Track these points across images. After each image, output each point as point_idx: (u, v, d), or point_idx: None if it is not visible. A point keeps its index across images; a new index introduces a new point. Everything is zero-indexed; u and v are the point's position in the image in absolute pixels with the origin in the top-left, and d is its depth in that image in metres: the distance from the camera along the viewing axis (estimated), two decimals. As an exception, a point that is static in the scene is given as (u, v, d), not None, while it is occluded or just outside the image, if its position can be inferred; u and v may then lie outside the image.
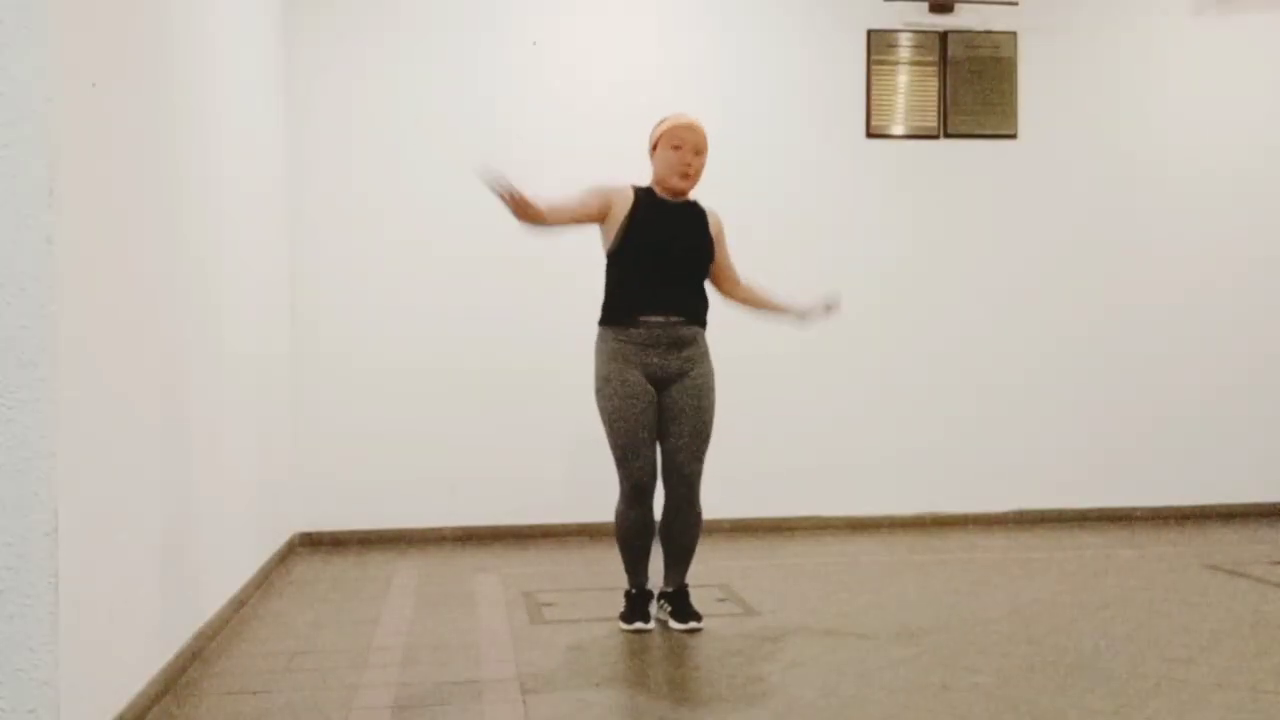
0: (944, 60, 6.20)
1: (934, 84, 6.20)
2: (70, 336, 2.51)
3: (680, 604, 4.07)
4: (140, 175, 3.22)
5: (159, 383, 3.37)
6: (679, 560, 4.09)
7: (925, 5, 6.17)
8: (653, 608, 4.13)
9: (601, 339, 4.01)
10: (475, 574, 5.05)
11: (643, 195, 4.00)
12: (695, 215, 4.06)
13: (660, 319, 3.94)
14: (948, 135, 6.22)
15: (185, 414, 3.65)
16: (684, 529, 4.04)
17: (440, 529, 5.82)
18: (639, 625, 4.02)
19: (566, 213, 3.91)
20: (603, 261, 4.04)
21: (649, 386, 3.95)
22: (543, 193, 3.82)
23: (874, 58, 6.15)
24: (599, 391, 3.99)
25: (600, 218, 3.98)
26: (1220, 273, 6.45)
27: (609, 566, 4.50)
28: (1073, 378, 6.35)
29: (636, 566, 4.09)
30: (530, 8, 5.93)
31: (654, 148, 4.04)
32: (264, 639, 3.97)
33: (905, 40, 6.17)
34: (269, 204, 5.25)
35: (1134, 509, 6.36)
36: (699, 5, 6.10)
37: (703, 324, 4.05)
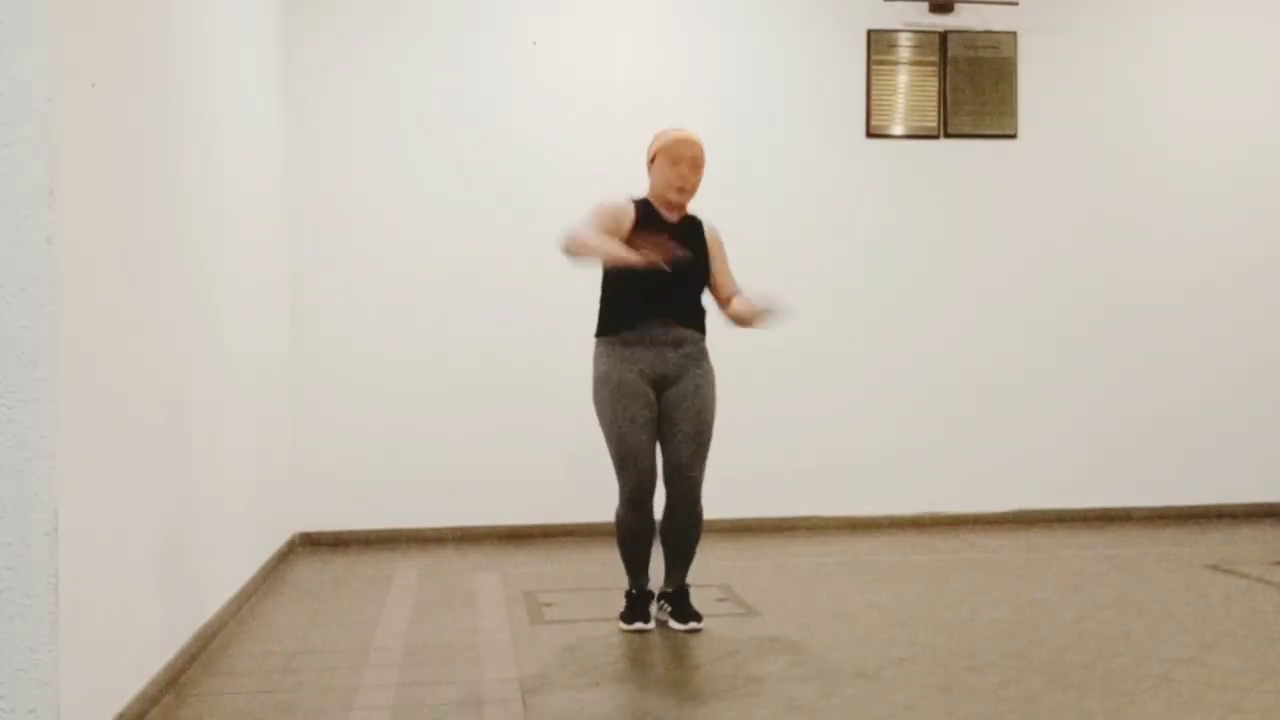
0: (944, 60, 6.20)
1: (934, 84, 6.20)
2: (70, 336, 2.51)
3: (680, 604, 4.07)
4: (140, 175, 3.22)
5: (159, 383, 3.37)
6: (679, 561, 4.09)
7: (925, 5, 6.17)
8: (653, 608, 4.12)
9: (600, 348, 4.01)
10: (475, 574, 5.05)
11: (641, 210, 4.00)
12: (692, 227, 4.06)
13: (658, 327, 3.93)
14: (948, 135, 6.22)
15: (185, 414, 3.65)
16: (685, 530, 4.04)
17: (440, 529, 5.82)
18: (639, 625, 4.02)
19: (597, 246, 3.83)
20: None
21: (647, 389, 3.94)
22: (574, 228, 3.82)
23: (874, 58, 6.15)
24: (597, 396, 3.98)
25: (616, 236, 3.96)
26: (1220, 273, 6.45)
27: (609, 566, 4.50)
28: (1073, 378, 6.35)
29: (637, 568, 4.09)
30: (530, 8, 5.93)
31: (652, 160, 4.03)
32: (264, 639, 3.97)
33: (905, 40, 6.17)
34: (269, 204, 5.25)
35: (1134, 509, 6.36)
36: (699, 5, 6.10)
37: (701, 329, 4.05)
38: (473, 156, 5.87)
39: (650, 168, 4.04)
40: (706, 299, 4.10)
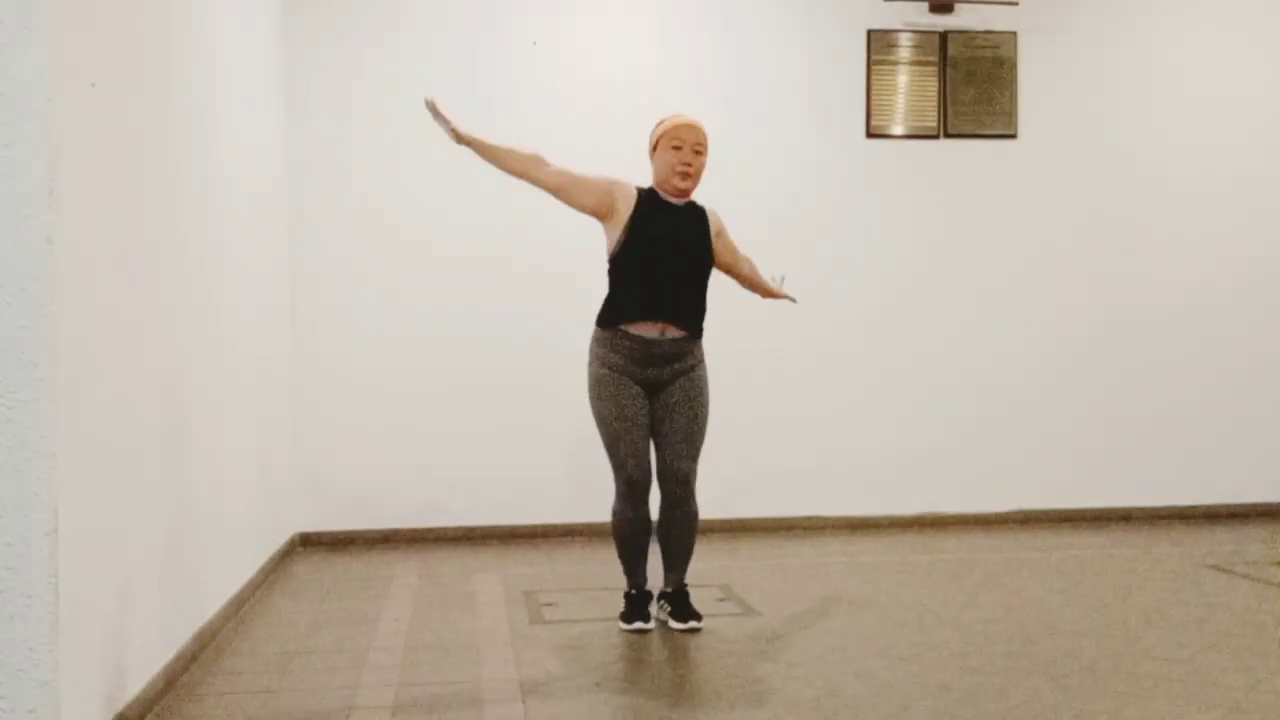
0: (944, 60, 6.20)
1: (934, 84, 6.20)
2: (70, 336, 2.51)
3: (680, 604, 4.07)
4: (140, 175, 3.22)
5: (159, 383, 3.37)
6: (677, 560, 4.09)
7: (925, 5, 6.17)
8: (653, 608, 4.13)
9: (595, 340, 4.00)
10: (475, 574, 5.05)
11: (645, 197, 3.99)
12: (696, 217, 4.05)
13: (655, 331, 3.92)
14: (948, 135, 6.22)
15: (185, 414, 3.65)
16: (681, 529, 4.04)
17: (440, 529, 5.82)
18: (639, 625, 4.02)
19: (549, 173, 3.93)
20: (603, 262, 4.04)
21: (641, 388, 3.95)
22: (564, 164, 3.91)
23: (874, 58, 6.15)
24: (592, 392, 3.98)
25: (599, 211, 3.97)
26: (1220, 273, 6.45)
27: (609, 566, 4.50)
28: (1073, 378, 6.35)
29: (634, 566, 4.09)
30: (530, 8, 5.93)
31: (654, 148, 4.03)
32: (264, 639, 3.97)
33: (905, 40, 6.17)
34: (269, 204, 5.25)
35: (1134, 509, 6.36)
36: (699, 5, 6.10)
37: (699, 334, 4.04)
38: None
39: (653, 156, 4.03)
40: (720, 281, 4.11)
